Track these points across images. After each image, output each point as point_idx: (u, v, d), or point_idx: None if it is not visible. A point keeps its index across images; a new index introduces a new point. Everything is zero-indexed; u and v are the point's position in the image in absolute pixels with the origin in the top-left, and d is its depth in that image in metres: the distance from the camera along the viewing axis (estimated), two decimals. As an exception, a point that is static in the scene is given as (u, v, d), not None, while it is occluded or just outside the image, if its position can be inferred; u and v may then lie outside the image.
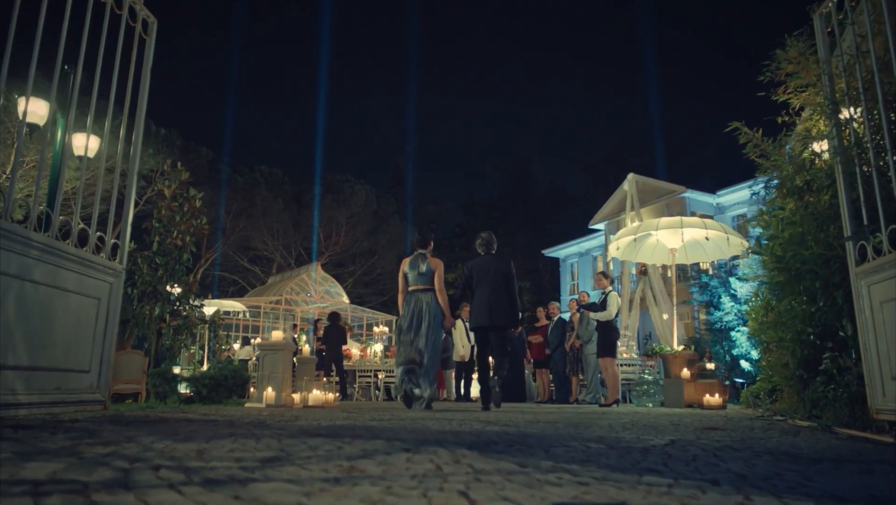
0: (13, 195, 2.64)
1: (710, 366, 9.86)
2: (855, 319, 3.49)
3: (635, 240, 7.49)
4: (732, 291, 10.02)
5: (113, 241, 3.48)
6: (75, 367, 3.10)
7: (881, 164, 3.12)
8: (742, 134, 4.50)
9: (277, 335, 6.15)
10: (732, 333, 9.74)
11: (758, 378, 7.10)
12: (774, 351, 6.25)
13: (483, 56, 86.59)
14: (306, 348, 7.98)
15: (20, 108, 3.88)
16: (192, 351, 13.79)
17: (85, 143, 3.61)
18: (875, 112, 3.11)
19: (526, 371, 10.35)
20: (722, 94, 62.00)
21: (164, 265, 7.53)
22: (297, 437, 2.51)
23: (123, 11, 3.64)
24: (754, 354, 9.47)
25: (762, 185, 6.14)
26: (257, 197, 28.49)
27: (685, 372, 6.99)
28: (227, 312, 19.40)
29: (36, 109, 3.67)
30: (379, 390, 12.62)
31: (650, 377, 7.49)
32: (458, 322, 7.83)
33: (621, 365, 8.68)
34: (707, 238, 7.18)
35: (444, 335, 6.80)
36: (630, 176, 22.50)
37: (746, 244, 7.28)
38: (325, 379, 10.16)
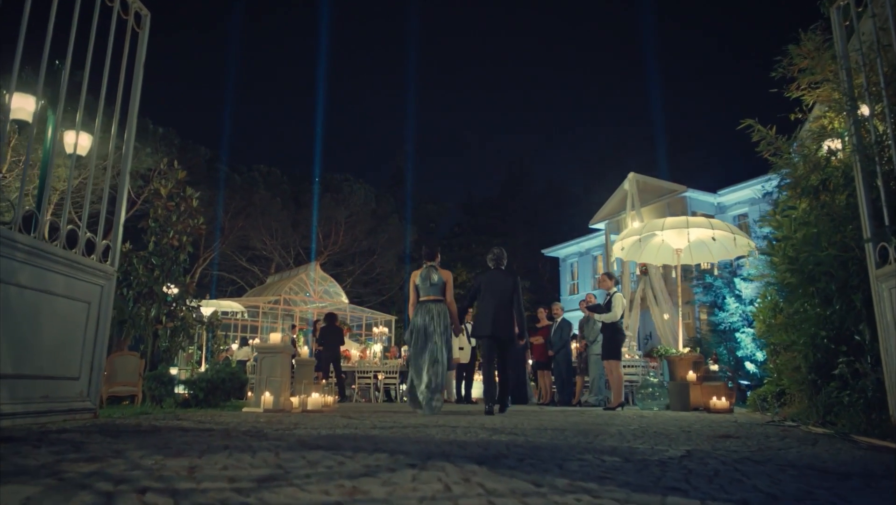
0: (-3, 194, 2.51)
1: (714, 367, 9.75)
2: (874, 322, 3.36)
3: (640, 240, 7.36)
4: (737, 292, 9.89)
5: (105, 242, 3.35)
6: (64, 374, 2.97)
7: (903, 162, 3.00)
8: (755, 132, 4.37)
9: (276, 338, 6.02)
10: (737, 335, 9.61)
11: (765, 381, 6.98)
12: (783, 354, 6.13)
13: (482, 54, 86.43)
14: (304, 350, 7.85)
15: (12, 105, 3.75)
16: (189, 351, 13.67)
17: (74, 141, 3.47)
18: (897, 108, 2.99)
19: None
20: (723, 93, 61.93)
21: (160, 266, 7.40)
22: (296, 449, 2.38)
23: (115, 3, 3.51)
24: (759, 356, 9.36)
25: (774, 184, 6.02)
26: (256, 196, 28.34)
27: (691, 375, 6.87)
28: (226, 313, 19.25)
29: (24, 105, 3.53)
30: (378, 392, 12.49)
31: (654, 380, 7.36)
32: None
33: (624, 367, 8.55)
34: (714, 238, 7.06)
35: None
36: (631, 175, 22.43)
37: (753, 245, 7.16)
38: (323, 382, 10.03)
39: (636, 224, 21.62)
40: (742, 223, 21.52)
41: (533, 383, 11.58)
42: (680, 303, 7.62)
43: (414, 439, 2.92)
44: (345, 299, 24.38)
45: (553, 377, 9.48)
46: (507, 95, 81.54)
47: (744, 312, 9.58)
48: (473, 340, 9.92)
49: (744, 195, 21.56)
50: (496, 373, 6.16)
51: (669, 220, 7.20)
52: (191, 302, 7.99)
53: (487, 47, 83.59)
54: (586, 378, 9.23)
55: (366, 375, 12.27)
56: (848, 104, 3.42)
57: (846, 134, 3.66)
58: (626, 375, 8.88)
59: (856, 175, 3.38)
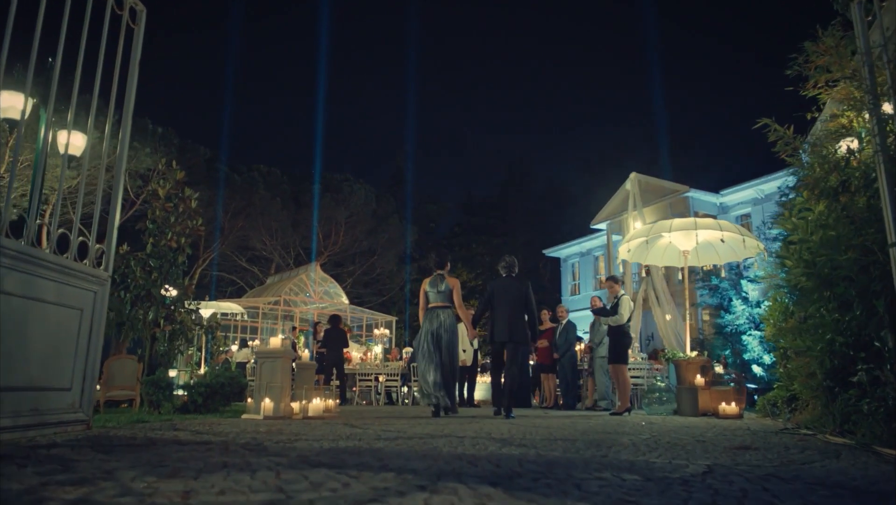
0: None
1: (719, 369, 9.62)
2: (898, 330, 3.23)
3: (647, 241, 7.23)
4: (744, 294, 9.75)
5: (98, 246, 3.22)
6: (54, 385, 2.84)
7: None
8: (771, 131, 4.24)
9: (276, 342, 5.88)
10: (743, 337, 9.48)
11: (775, 385, 6.84)
12: (795, 359, 6.00)
13: (483, 54, 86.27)
14: (305, 354, 7.72)
15: (1, 103, 3.62)
16: (189, 352, 13.53)
17: (66, 140, 3.33)
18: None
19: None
20: (725, 92, 61.77)
21: (158, 268, 7.27)
22: (297, 467, 2.25)
23: (109, -1, 3.38)
24: (767, 359, 9.23)
25: (778, 184, 5.89)
26: (255, 196, 28.20)
27: (699, 379, 6.74)
28: (225, 314, 19.12)
29: (15, 104, 3.40)
30: (380, 394, 12.35)
31: (661, 384, 7.24)
32: (461, 327, 7.63)
33: (629, 369, 8.40)
34: (722, 240, 6.93)
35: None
36: (632, 175, 22.29)
37: (762, 246, 7.03)
38: (335, 383, 9.89)
39: (638, 224, 21.56)
40: (745, 223, 21.38)
41: (536, 389, 11.47)
42: (687, 305, 7.49)
43: (421, 454, 2.79)
44: (345, 300, 24.26)
45: (558, 380, 9.35)
46: (508, 95, 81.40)
47: (750, 314, 9.45)
48: (476, 343, 9.80)
49: (746, 195, 21.44)
50: (503, 376, 6.39)
51: (677, 221, 7.07)
52: (189, 304, 7.86)
53: (488, 47, 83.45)
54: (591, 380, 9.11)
55: (367, 378, 12.13)
56: (871, 102, 3.28)
57: (868, 133, 3.53)
58: (630, 378, 8.75)
59: (879, 176, 3.25)
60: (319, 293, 23.59)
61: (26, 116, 3.30)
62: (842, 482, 2.32)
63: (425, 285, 6.35)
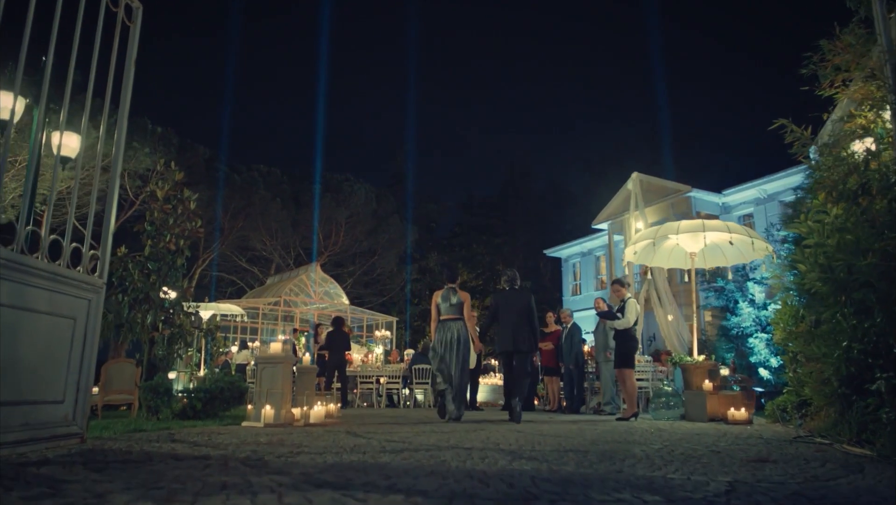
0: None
1: (724, 371, 9.50)
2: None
3: (654, 243, 7.12)
4: (750, 296, 9.63)
5: (92, 252, 3.10)
6: (46, 398, 2.72)
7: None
8: (788, 132, 4.12)
9: (276, 347, 5.76)
10: (750, 340, 9.35)
11: (784, 390, 6.73)
12: (806, 364, 5.88)
13: (483, 54, 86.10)
14: (307, 358, 7.59)
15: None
16: (189, 353, 13.40)
17: (59, 141, 3.21)
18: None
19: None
20: (726, 92, 61.60)
21: (156, 271, 7.14)
22: (300, 488, 2.13)
23: (104, -5, 3.26)
24: (774, 362, 9.12)
25: (800, 186, 5.77)
26: (255, 196, 28.06)
27: (707, 384, 6.62)
28: (225, 315, 18.99)
29: (6, 104, 3.28)
30: (381, 396, 12.23)
31: (668, 388, 7.12)
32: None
33: (635, 372, 8.27)
34: (731, 242, 6.81)
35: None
36: (634, 175, 22.13)
37: (771, 248, 6.91)
38: (336, 385, 9.77)
39: (640, 224, 21.44)
40: (747, 223, 21.26)
41: (541, 388, 11.36)
42: (694, 308, 7.37)
43: (429, 470, 2.67)
44: (345, 300, 24.12)
45: (563, 383, 9.23)
46: (509, 95, 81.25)
47: (757, 316, 9.33)
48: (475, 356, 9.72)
49: (749, 195, 21.33)
50: (511, 383, 6.67)
51: (685, 223, 6.95)
52: (188, 307, 7.74)
53: (488, 47, 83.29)
54: (597, 384, 9.00)
55: (368, 380, 12.00)
56: (893, 102, 3.16)
57: (888, 134, 3.41)
58: (636, 381, 8.63)
59: (902, 179, 3.13)
60: (320, 294, 23.45)
61: (18, 118, 3.18)
62: (873, 503, 2.21)
63: (437, 298, 6.69)
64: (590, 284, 29.00)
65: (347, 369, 11.61)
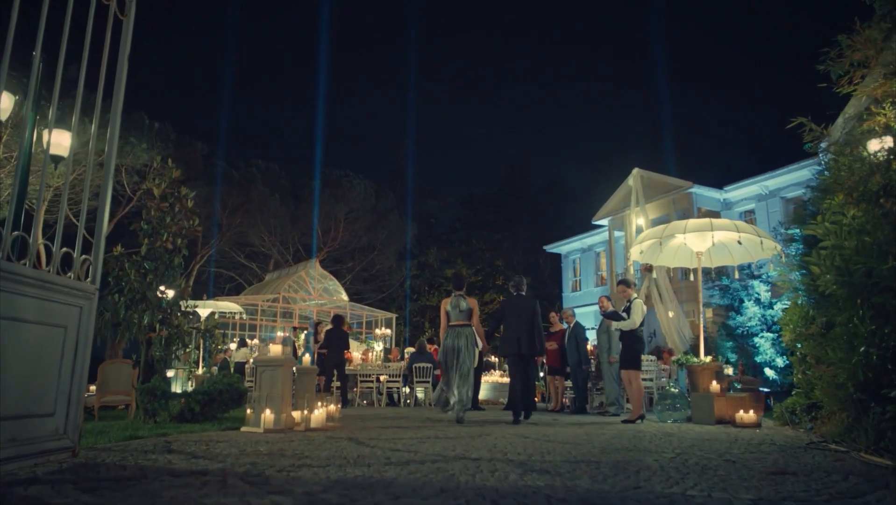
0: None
1: (728, 370, 9.41)
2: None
3: (660, 242, 6.98)
4: (756, 295, 9.51)
5: (83, 257, 2.97)
6: (35, 411, 2.59)
7: None
8: (806, 131, 3.99)
9: (276, 349, 5.63)
10: (755, 339, 9.24)
11: (793, 392, 6.63)
12: (816, 366, 5.77)
13: (483, 50, 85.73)
14: (307, 358, 7.46)
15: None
16: (188, 350, 13.29)
17: (49, 140, 3.07)
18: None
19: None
20: (726, 88, 61.36)
21: (153, 270, 7.01)
22: (304, 512, 2.01)
23: (96, -13, 3.11)
24: (780, 362, 9.01)
25: (809, 185, 5.65)
26: (254, 192, 27.88)
27: (714, 386, 6.51)
28: (224, 313, 18.85)
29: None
30: (381, 395, 12.12)
31: (675, 390, 7.00)
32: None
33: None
34: (740, 242, 6.68)
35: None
36: (635, 171, 22.04)
37: (779, 248, 6.79)
38: (324, 392, 9.67)
39: (640, 220, 21.32)
40: (749, 220, 21.13)
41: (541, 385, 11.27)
42: (701, 309, 7.24)
43: (438, 487, 2.55)
44: (344, 297, 24.01)
45: (569, 382, 9.12)
46: (509, 92, 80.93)
47: (763, 315, 9.21)
48: (479, 344, 9.61)
49: (750, 191, 21.19)
50: (518, 385, 6.92)
51: (692, 221, 6.82)
52: (186, 307, 7.60)
53: (489, 45, 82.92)
54: (600, 384, 8.88)
55: (368, 379, 11.89)
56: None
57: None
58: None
59: (929, 180, 3.00)
60: (319, 290, 23.33)
61: (6, 115, 3.04)
62: (909, 525, 2.09)
63: (446, 305, 6.99)
64: (590, 280, 28.90)
65: (347, 368, 11.50)
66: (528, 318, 6.87)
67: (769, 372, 8.96)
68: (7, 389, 2.38)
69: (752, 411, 6.07)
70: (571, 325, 9.00)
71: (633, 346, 6.77)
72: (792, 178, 19.75)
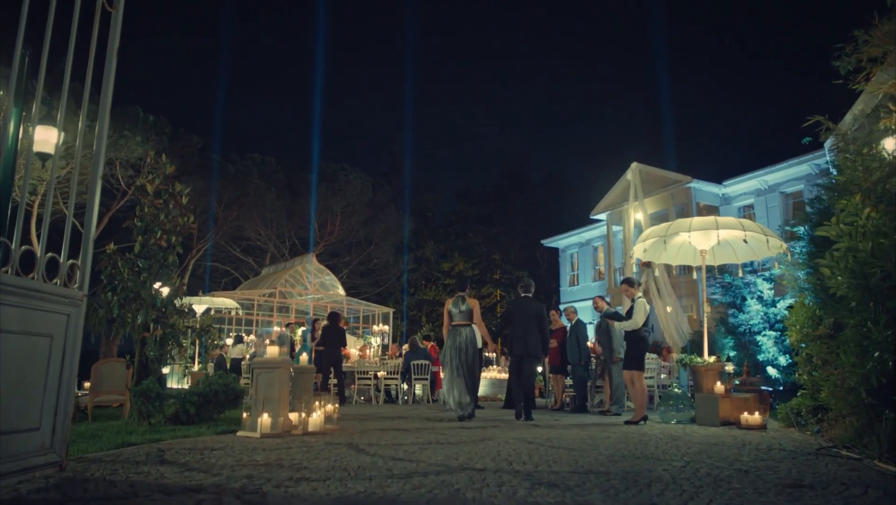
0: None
1: (729, 368, 9.30)
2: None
3: (664, 241, 6.87)
4: (758, 293, 9.41)
5: (70, 262, 2.82)
6: (20, 426, 2.46)
7: None
8: (823, 131, 3.86)
9: (273, 351, 5.50)
10: (758, 337, 9.14)
11: (798, 393, 6.53)
12: (823, 367, 5.67)
13: (481, 45, 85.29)
14: (304, 357, 7.34)
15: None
16: (184, 346, 13.14)
17: (38, 137, 2.92)
18: None
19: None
20: (725, 82, 61.19)
21: (147, 269, 6.85)
22: (304, 540, 1.88)
23: (83, -23, 2.96)
24: (782, 361, 8.93)
25: (818, 183, 5.53)
26: (250, 186, 27.65)
27: (719, 386, 6.41)
28: (220, 308, 18.70)
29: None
30: (379, 392, 12.00)
31: (678, 391, 6.90)
32: (478, 336, 7.67)
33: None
34: (745, 241, 6.57)
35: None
36: (633, 165, 21.89)
37: (785, 247, 6.68)
38: (322, 392, 9.55)
39: (639, 215, 21.20)
40: (747, 214, 21.05)
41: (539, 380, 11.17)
42: (706, 309, 7.14)
43: (444, 504, 2.43)
44: (341, 291, 23.86)
45: (571, 381, 9.02)
46: (507, 86, 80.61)
47: (766, 313, 9.12)
48: (479, 342, 9.53)
49: (749, 186, 21.09)
50: (522, 385, 7.09)
51: (697, 220, 6.69)
52: (181, 305, 7.44)
53: (487, 41, 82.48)
54: (599, 383, 8.80)
55: (365, 376, 11.77)
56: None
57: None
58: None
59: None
60: (315, 285, 23.18)
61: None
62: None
63: (449, 306, 7.25)
64: (587, 274, 28.82)
65: (344, 365, 11.37)
66: (535, 319, 7.11)
67: (771, 371, 8.87)
68: (-12, 405, 2.25)
69: (756, 413, 5.97)
70: (573, 322, 8.89)
71: (636, 346, 6.66)
72: (791, 173, 19.66)
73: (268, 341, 15.51)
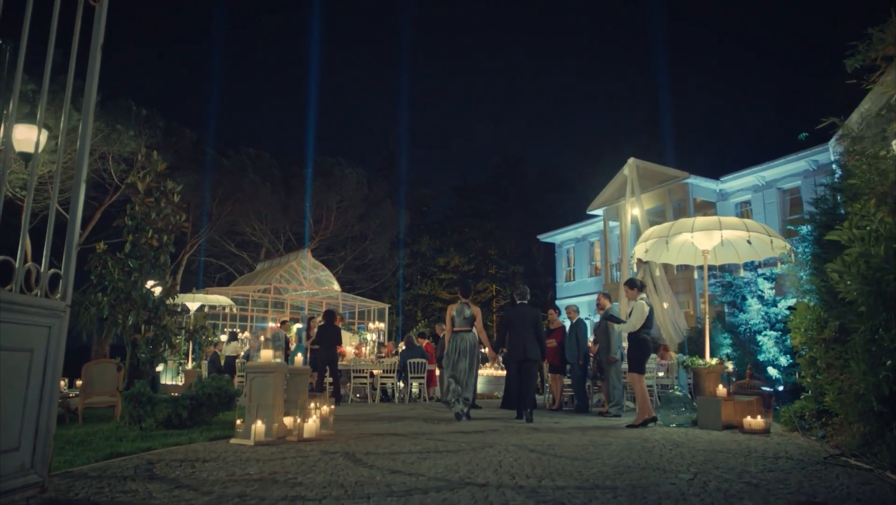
0: None
1: (729, 366, 9.21)
2: None
3: (666, 241, 6.75)
4: (759, 293, 9.31)
5: (51, 271, 2.68)
6: (-3, 447, 2.33)
7: None
8: (840, 136, 3.73)
9: (267, 355, 5.36)
10: (758, 337, 9.06)
11: (802, 396, 6.45)
12: (827, 371, 5.58)
13: (475, 37, 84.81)
14: (299, 358, 7.19)
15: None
16: (177, 341, 12.98)
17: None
18: None
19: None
20: (722, 78, 61.06)
21: (137, 269, 6.70)
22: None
23: (64, -30, 2.79)
24: (783, 361, 8.85)
25: (824, 183, 5.43)
26: (245, 180, 27.40)
27: (721, 389, 6.31)
28: (213, 305, 18.53)
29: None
30: (375, 390, 11.89)
31: (679, 393, 6.80)
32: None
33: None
34: (749, 241, 6.46)
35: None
36: (630, 160, 21.77)
37: (788, 247, 6.57)
38: (318, 393, 9.41)
39: (636, 210, 21.09)
40: (745, 210, 20.99)
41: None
42: (707, 310, 7.03)
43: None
44: (336, 287, 23.70)
45: (570, 380, 8.91)
46: (502, 80, 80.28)
47: (766, 313, 9.04)
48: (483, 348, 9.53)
49: (747, 182, 21.00)
50: (521, 388, 7.38)
51: (700, 220, 6.57)
52: (172, 305, 7.29)
53: (482, 33, 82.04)
54: (598, 385, 8.70)
55: (361, 375, 11.64)
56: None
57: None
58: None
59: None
60: (311, 280, 23.02)
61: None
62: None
63: (452, 312, 7.55)
64: (584, 270, 28.74)
65: (340, 363, 11.25)
66: (532, 325, 7.44)
67: (772, 371, 8.80)
68: (-38, 427, 2.11)
69: (759, 417, 5.88)
70: (574, 320, 8.78)
71: (637, 348, 6.55)
72: (789, 169, 19.59)
73: (262, 338, 15.38)
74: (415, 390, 12.43)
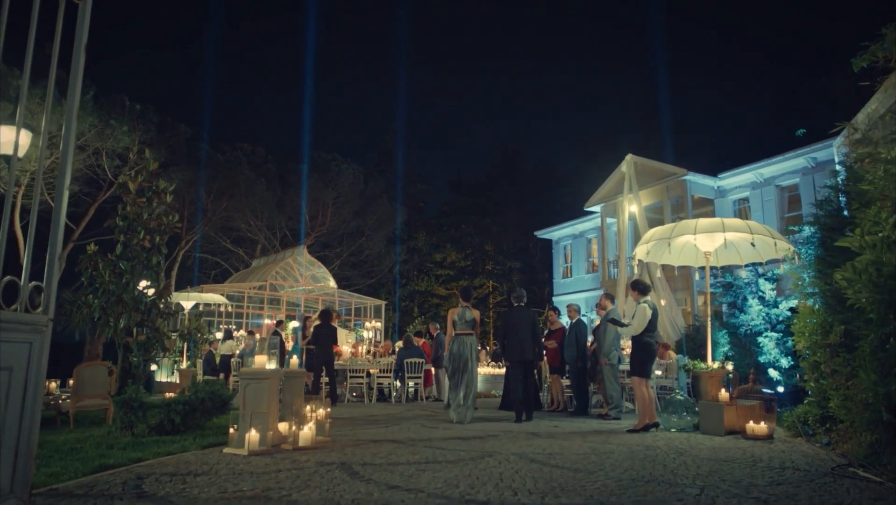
0: None
1: (730, 367, 9.13)
2: None
3: (669, 244, 6.64)
4: (760, 293, 9.23)
5: (32, 284, 2.55)
6: (-27, 472, 2.20)
7: None
8: (851, 141, 3.62)
9: (261, 360, 5.23)
10: (759, 339, 8.97)
11: (805, 400, 6.36)
12: (832, 377, 5.49)
13: (472, 34, 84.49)
14: (294, 361, 7.08)
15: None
16: (172, 339, 12.82)
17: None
18: None
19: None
20: (721, 75, 60.92)
21: (129, 271, 6.56)
22: None
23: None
24: (784, 363, 8.77)
25: (831, 186, 5.33)
26: (240, 176, 27.17)
27: (723, 394, 6.22)
28: (209, 304, 18.37)
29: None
30: (372, 389, 11.78)
31: (680, 397, 6.71)
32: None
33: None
34: (753, 244, 6.36)
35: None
36: (628, 157, 21.66)
37: (792, 249, 6.47)
38: (313, 396, 9.31)
39: (633, 207, 21.00)
40: (743, 207, 20.91)
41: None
42: (709, 312, 6.93)
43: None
44: (332, 284, 23.57)
45: (570, 381, 8.81)
46: (500, 76, 79.96)
47: (767, 314, 8.95)
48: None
49: (745, 179, 20.91)
50: (521, 389, 7.50)
51: (703, 221, 6.47)
52: (164, 307, 7.15)
53: (480, 30, 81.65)
54: (594, 387, 8.61)
55: (358, 375, 11.53)
56: None
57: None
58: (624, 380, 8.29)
59: None
60: (307, 277, 22.87)
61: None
62: None
63: (454, 315, 7.80)
64: (581, 266, 28.65)
65: (336, 362, 11.13)
66: (530, 327, 7.67)
67: (773, 373, 8.72)
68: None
69: (762, 422, 5.79)
70: (574, 320, 8.67)
71: (640, 351, 6.45)
72: (787, 167, 19.50)
73: (258, 336, 15.25)
74: (411, 390, 12.33)
